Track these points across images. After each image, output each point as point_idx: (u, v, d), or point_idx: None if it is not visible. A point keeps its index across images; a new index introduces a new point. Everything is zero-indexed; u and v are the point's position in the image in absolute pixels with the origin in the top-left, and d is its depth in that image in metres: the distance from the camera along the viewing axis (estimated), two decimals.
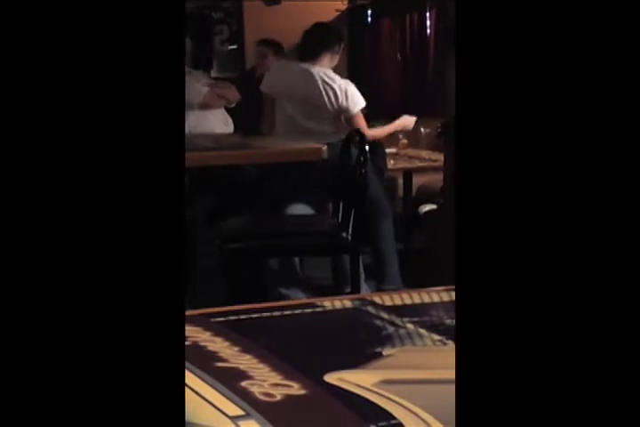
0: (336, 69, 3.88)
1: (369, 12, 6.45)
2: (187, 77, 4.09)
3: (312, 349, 1.09)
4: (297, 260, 3.68)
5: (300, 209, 3.70)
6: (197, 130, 4.12)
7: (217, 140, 3.95)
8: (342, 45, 3.83)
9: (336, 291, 3.48)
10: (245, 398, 0.91)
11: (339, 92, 3.65)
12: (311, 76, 3.67)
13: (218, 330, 1.13)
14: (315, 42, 3.74)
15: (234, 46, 5.71)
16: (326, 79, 3.66)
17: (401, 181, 4.52)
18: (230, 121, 4.27)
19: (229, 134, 4.18)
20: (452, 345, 1.07)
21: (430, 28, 6.00)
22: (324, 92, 3.65)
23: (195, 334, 1.11)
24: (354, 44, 6.24)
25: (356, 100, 3.68)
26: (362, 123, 3.73)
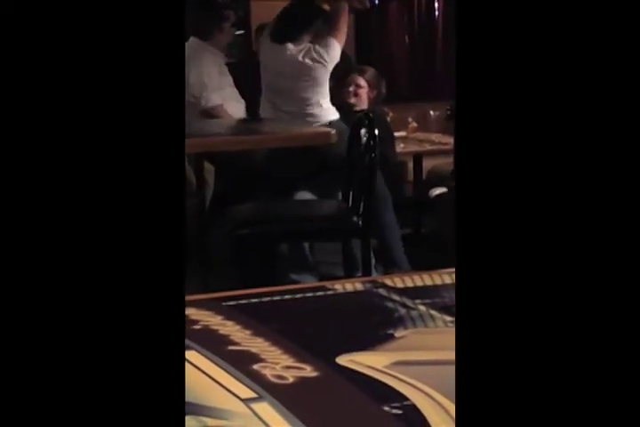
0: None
1: None
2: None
3: (324, 331, 1.09)
4: (307, 245, 3.68)
5: (310, 194, 3.70)
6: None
7: (225, 126, 3.94)
8: (321, 22, 3.70)
9: (347, 276, 3.48)
10: (257, 380, 0.91)
11: (321, 57, 3.60)
12: (296, 57, 3.62)
13: (229, 314, 1.13)
14: (293, 25, 3.66)
15: (241, 32, 5.69)
16: (308, 55, 3.61)
17: (411, 164, 4.51)
18: (243, 104, 4.25)
19: (237, 119, 4.16)
20: None
21: (438, 11, 5.97)
22: (303, 74, 3.61)
23: (206, 318, 1.11)
24: (361, 26, 6.21)
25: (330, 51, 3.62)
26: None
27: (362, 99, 4.06)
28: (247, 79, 4.15)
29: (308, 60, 3.60)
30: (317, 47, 3.61)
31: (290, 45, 3.61)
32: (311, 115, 3.66)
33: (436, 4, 5.97)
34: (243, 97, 4.23)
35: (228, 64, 4.25)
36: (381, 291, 1.23)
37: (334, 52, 3.62)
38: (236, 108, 4.18)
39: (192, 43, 3.99)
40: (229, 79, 4.19)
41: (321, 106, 3.68)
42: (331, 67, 3.66)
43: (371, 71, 4.15)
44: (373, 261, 3.38)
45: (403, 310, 1.14)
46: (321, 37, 3.65)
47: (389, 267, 3.67)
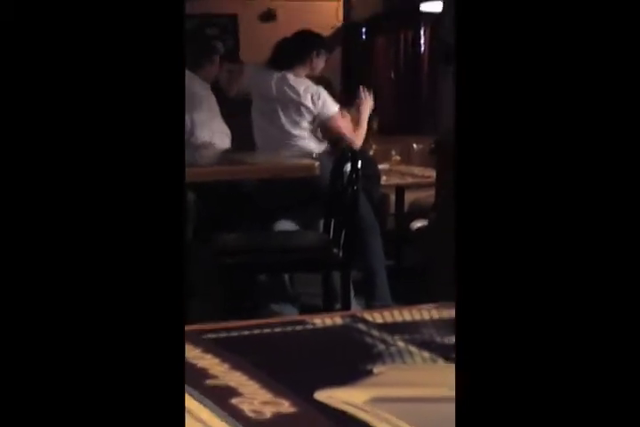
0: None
1: (363, 29, 6.48)
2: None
3: (302, 366, 1.09)
4: (287, 276, 3.68)
5: (292, 225, 3.71)
6: (203, 134, 4.10)
7: (208, 156, 3.96)
8: (320, 52, 3.79)
9: (326, 307, 3.48)
10: (235, 415, 0.91)
11: (315, 97, 3.70)
12: (287, 81, 3.71)
13: (207, 346, 1.13)
14: (285, 54, 3.76)
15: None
16: (300, 84, 3.70)
17: (393, 197, 4.53)
18: (230, 136, 4.27)
19: (222, 150, 4.18)
20: (442, 363, 1.07)
21: (424, 46, 6.04)
22: (302, 97, 3.69)
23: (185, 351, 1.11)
24: (348, 61, 6.27)
25: (328, 105, 3.73)
26: (341, 126, 3.76)
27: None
28: (236, 111, 4.19)
29: (302, 97, 3.69)
30: (314, 98, 3.67)
31: (287, 74, 3.70)
32: (292, 143, 3.72)
33: (422, 40, 6.04)
34: (230, 128, 4.26)
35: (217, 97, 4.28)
36: (360, 326, 1.23)
37: (327, 112, 3.67)
38: (222, 140, 4.21)
39: None
40: (216, 112, 4.21)
41: (302, 137, 3.74)
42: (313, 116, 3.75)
43: None
44: (352, 293, 3.39)
45: (381, 346, 1.14)
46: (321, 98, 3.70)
47: (371, 298, 3.67)
